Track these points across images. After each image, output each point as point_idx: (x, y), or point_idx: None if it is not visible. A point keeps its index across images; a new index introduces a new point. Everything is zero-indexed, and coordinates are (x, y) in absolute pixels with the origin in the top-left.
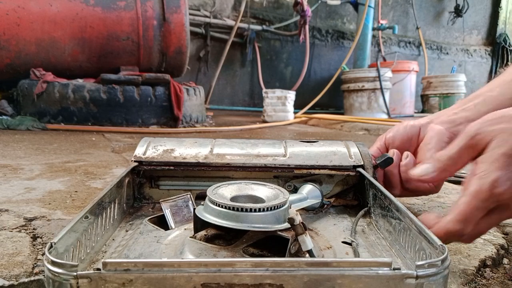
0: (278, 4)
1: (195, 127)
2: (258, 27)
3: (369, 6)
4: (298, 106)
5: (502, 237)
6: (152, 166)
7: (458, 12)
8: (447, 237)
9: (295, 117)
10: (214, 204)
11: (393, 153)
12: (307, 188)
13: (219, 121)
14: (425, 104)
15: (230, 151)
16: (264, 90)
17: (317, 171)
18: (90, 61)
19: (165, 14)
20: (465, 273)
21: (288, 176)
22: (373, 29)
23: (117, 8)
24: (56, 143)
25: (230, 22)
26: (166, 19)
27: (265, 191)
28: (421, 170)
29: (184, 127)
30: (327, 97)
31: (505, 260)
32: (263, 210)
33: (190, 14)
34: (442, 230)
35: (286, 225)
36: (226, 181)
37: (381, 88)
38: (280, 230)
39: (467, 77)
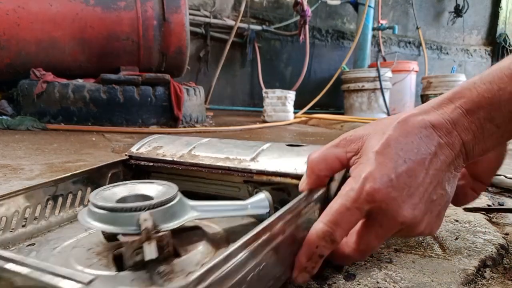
0: (278, 4)
1: (195, 127)
2: (258, 27)
3: (369, 6)
4: (298, 106)
5: (502, 237)
6: (138, 161)
7: (458, 12)
8: (319, 241)
9: (295, 117)
10: (92, 205)
11: None
12: (257, 197)
13: (219, 121)
14: None
15: (206, 152)
16: (264, 90)
17: (278, 179)
18: (90, 61)
19: (165, 14)
20: (465, 273)
21: (257, 182)
22: (373, 29)
23: (117, 8)
24: (56, 143)
25: (230, 22)
26: (166, 19)
27: (156, 190)
28: None
29: (184, 127)
30: (327, 97)
31: (505, 260)
32: (117, 211)
33: (190, 14)
34: (313, 233)
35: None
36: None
37: (381, 88)
38: (127, 234)
39: (467, 77)
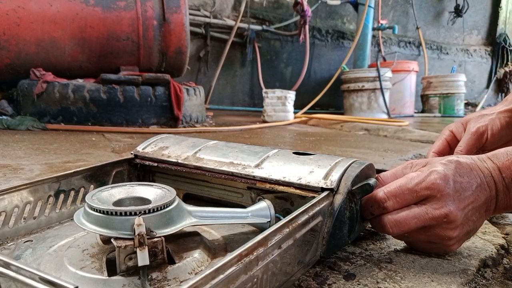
0: (278, 4)
1: (195, 127)
2: (258, 27)
3: (369, 6)
4: (298, 106)
5: (502, 237)
6: (143, 161)
7: (458, 12)
8: (374, 203)
9: (295, 117)
10: (88, 206)
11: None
12: (258, 205)
13: (219, 121)
14: (425, 104)
15: (211, 155)
16: (264, 90)
17: (280, 188)
18: (90, 61)
19: (165, 14)
20: (465, 273)
21: (260, 189)
22: (373, 29)
23: (117, 8)
24: (56, 143)
25: (230, 22)
26: (166, 19)
27: (154, 194)
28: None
29: (184, 127)
30: (327, 97)
31: (505, 260)
32: (112, 214)
33: (190, 14)
34: (372, 196)
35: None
36: (148, 183)
37: (381, 88)
38: (120, 238)
39: (467, 77)
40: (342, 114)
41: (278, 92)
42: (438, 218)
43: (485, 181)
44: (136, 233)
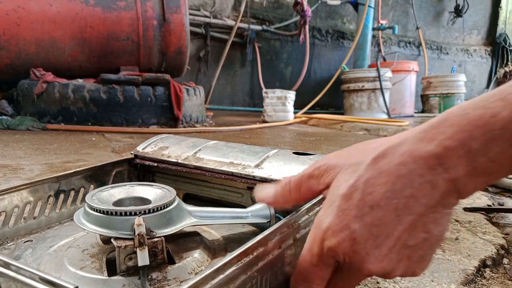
0: (278, 4)
1: (195, 127)
2: (258, 27)
3: (369, 6)
4: (298, 106)
5: (502, 237)
6: (143, 161)
7: (458, 12)
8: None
9: (295, 117)
10: (88, 206)
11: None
12: (258, 205)
13: (219, 121)
14: (425, 104)
15: (211, 155)
16: (264, 90)
17: None
18: (90, 61)
19: (165, 14)
20: (465, 273)
21: None
22: (373, 29)
23: (117, 8)
24: (56, 143)
25: (230, 22)
26: (166, 19)
27: (154, 193)
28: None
29: (184, 127)
30: (327, 97)
31: (505, 260)
32: (113, 214)
33: (190, 14)
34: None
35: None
36: (147, 183)
37: (381, 88)
38: (120, 238)
39: (467, 77)
40: (342, 114)
41: (278, 92)
42: (363, 278)
43: (425, 180)
44: (136, 233)
